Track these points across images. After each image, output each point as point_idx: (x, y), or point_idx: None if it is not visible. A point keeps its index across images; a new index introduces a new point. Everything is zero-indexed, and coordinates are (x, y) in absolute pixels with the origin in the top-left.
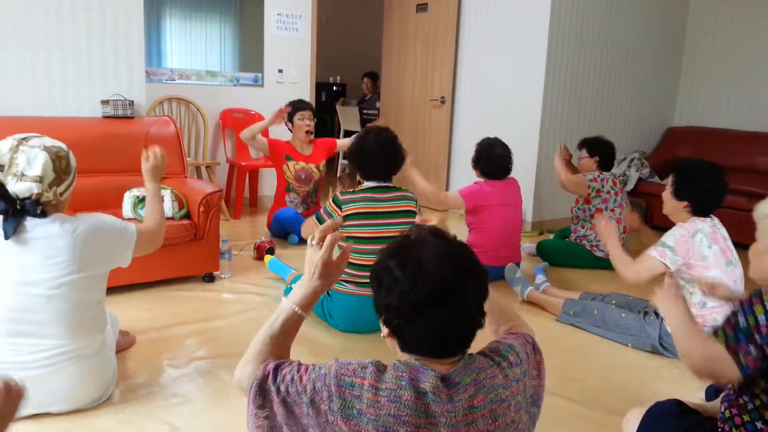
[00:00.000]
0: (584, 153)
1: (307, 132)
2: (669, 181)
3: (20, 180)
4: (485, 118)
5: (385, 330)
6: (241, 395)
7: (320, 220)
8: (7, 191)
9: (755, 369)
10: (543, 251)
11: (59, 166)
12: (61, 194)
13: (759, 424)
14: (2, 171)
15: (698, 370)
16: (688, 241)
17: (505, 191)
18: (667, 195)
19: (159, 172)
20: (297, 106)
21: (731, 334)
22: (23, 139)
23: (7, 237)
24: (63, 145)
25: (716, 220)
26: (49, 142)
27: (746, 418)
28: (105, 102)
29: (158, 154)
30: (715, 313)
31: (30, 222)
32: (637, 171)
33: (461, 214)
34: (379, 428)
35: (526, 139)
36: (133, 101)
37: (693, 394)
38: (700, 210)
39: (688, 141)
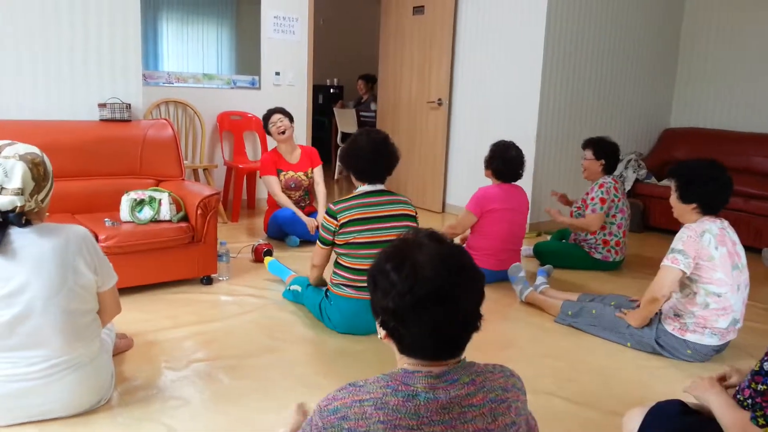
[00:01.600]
0: (589, 154)
1: (280, 131)
2: (672, 186)
3: (0, 194)
4: (482, 119)
5: (382, 332)
6: (240, 397)
7: (321, 240)
8: None
9: None
10: (540, 253)
11: (37, 173)
12: (42, 200)
13: None
14: None
15: None
16: (696, 241)
17: (512, 196)
18: (674, 200)
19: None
20: (267, 115)
21: None
22: None
23: None
24: (37, 150)
25: (726, 223)
26: (23, 149)
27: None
28: (102, 105)
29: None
30: (717, 315)
31: (15, 232)
32: (634, 172)
33: None
34: None
35: (523, 140)
36: (130, 104)
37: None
38: (709, 209)
39: (684, 142)
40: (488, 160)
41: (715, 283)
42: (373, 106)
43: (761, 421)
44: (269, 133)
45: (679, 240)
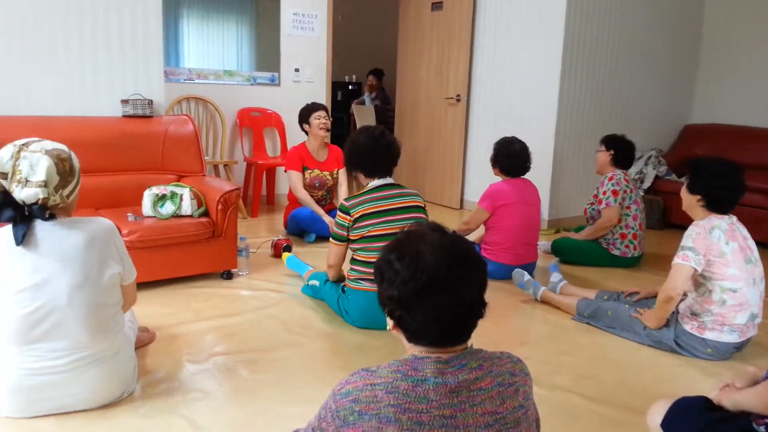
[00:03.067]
0: (602, 147)
1: (324, 129)
2: (685, 177)
3: (25, 186)
4: (501, 115)
5: (390, 323)
6: (259, 390)
7: (336, 237)
8: (13, 199)
9: None
10: (559, 250)
11: (63, 168)
12: (68, 196)
13: None
14: (6, 179)
15: None
16: (705, 237)
17: (524, 190)
18: (683, 190)
19: None
20: (311, 107)
21: None
22: (23, 144)
23: (17, 243)
24: (64, 147)
25: (734, 218)
26: (50, 145)
27: None
28: (125, 101)
29: None
30: (735, 311)
31: (40, 226)
32: (654, 169)
33: None
34: (381, 420)
35: (543, 136)
36: (152, 101)
37: (711, 392)
38: (713, 204)
39: (705, 138)
40: (494, 158)
41: (730, 278)
42: (376, 102)
43: None
44: (306, 124)
45: (688, 237)
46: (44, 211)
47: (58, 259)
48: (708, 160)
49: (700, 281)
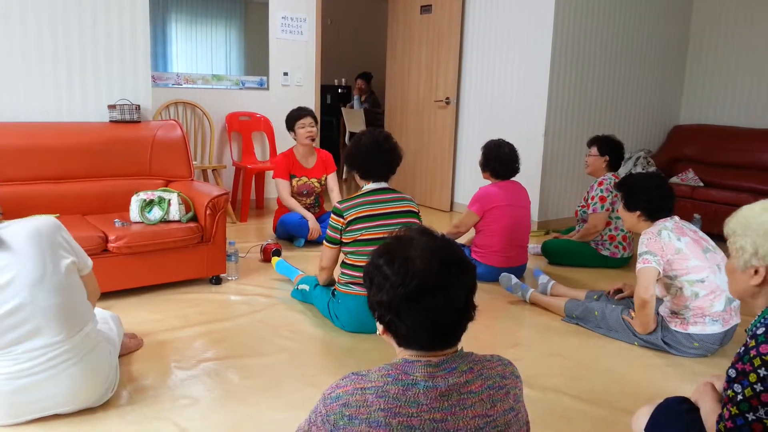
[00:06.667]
0: (594, 151)
1: (309, 138)
2: (619, 197)
3: None
4: (490, 118)
5: (380, 327)
6: (249, 395)
7: (329, 239)
8: None
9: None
10: (548, 251)
11: None
12: None
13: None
14: None
15: None
16: (656, 239)
17: (513, 192)
18: (622, 211)
19: None
20: (297, 114)
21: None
22: None
23: None
24: None
25: (677, 218)
26: None
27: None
28: (112, 106)
29: None
30: (710, 300)
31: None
32: (642, 170)
33: None
34: (372, 424)
35: (532, 138)
36: (139, 105)
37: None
38: (653, 215)
39: (693, 138)
40: (483, 163)
41: (693, 270)
42: (365, 105)
43: (721, 426)
44: (292, 131)
45: (642, 244)
46: None
47: (11, 259)
48: (636, 176)
49: (668, 282)
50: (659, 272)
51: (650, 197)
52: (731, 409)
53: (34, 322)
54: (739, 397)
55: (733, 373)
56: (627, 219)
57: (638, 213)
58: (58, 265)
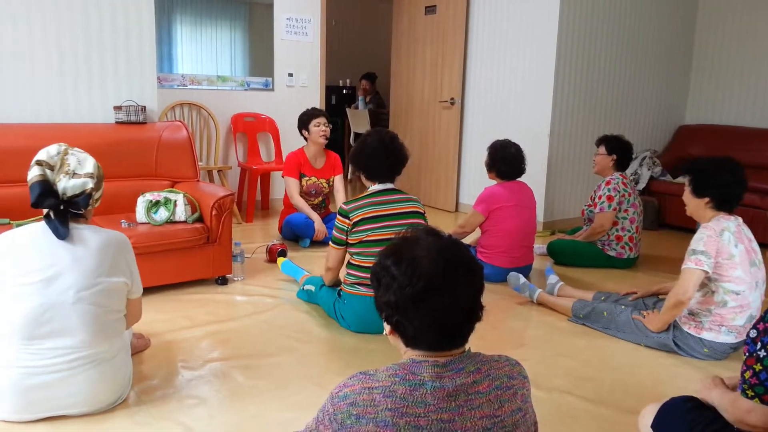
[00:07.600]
0: (602, 150)
1: (323, 137)
2: (686, 181)
3: (72, 177)
4: (495, 118)
5: (387, 328)
6: (255, 396)
7: (335, 240)
8: (55, 190)
9: None
10: (554, 252)
11: (100, 173)
12: (97, 200)
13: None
14: (52, 171)
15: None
16: (716, 240)
17: (519, 193)
18: (687, 195)
19: None
20: (311, 113)
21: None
22: (67, 147)
23: (62, 237)
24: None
25: (740, 220)
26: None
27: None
28: (117, 108)
29: None
30: (735, 313)
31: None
32: (648, 170)
33: None
34: (379, 424)
35: (537, 138)
36: (145, 107)
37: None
38: (722, 204)
39: (699, 139)
40: (489, 163)
41: (734, 281)
42: (369, 106)
43: (749, 392)
44: (305, 130)
45: (700, 240)
46: (88, 199)
47: (72, 258)
48: (708, 160)
49: (704, 282)
50: (706, 274)
51: (723, 182)
52: (754, 366)
53: (67, 323)
54: (762, 353)
55: (754, 333)
56: (692, 205)
57: (707, 200)
58: (110, 281)
